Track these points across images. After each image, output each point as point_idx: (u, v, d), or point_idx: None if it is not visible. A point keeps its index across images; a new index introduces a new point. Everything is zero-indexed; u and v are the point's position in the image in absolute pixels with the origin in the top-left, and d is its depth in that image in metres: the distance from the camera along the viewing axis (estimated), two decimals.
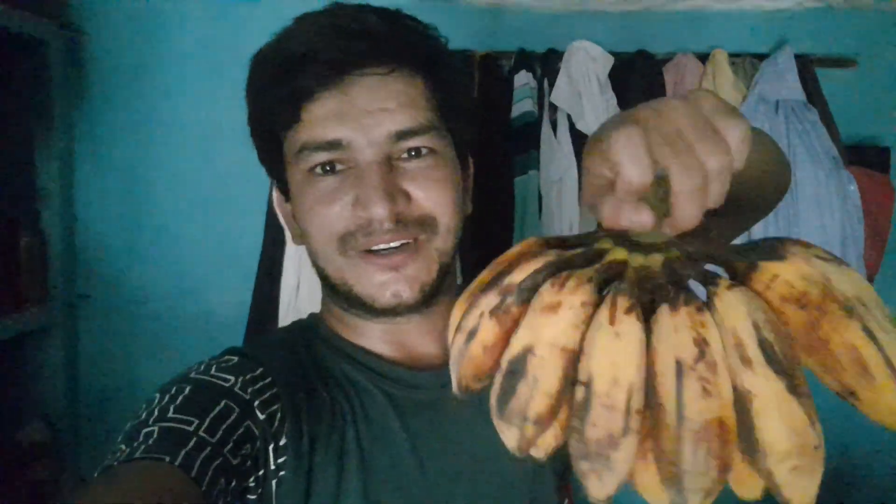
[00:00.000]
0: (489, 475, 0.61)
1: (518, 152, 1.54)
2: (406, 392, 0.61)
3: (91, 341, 1.73)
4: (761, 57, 1.67)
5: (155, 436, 0.46)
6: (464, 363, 0.38)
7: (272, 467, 0.52)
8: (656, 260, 0.35)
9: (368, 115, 0.55)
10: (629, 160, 0.32)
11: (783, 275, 0.32)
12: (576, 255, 0.37)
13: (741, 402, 0.31)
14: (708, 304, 0.32)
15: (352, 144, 0.55)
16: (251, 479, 0.50)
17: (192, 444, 0.46)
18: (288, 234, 1.56)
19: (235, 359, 0.56)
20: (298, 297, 1.58)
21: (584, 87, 1.56)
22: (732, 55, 1.65)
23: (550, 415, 0.34)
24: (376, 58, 0.55)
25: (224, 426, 0.49)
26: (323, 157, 0.56)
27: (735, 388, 0.31)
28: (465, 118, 0.63)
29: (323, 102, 0.55)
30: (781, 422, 0.30)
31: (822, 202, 1.55)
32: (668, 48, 1.68)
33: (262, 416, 0.52)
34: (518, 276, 0.36)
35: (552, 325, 0.33)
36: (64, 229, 1.67)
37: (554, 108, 1.59)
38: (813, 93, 1.65)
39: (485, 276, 0.40)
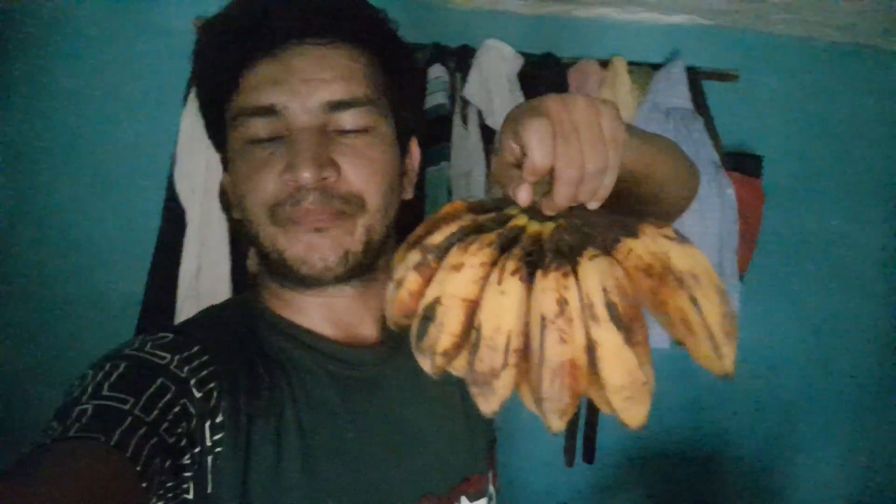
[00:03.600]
0: (428, 450, 0.64)
1: (430, 144, 1.57)
2: (346, 369, 0.62)
3: None
4: (656, 67, 1.79)
5: (89, 413, 0.45)
6: (395, 305, 0.47)
7: (208, 444, 0.52)
8: (549, 227, 0.45)
9: (304, 83, 0.55)
10: (537, 145, 0.39)
11: (635, 249, 0.42)
12: (487, 220, 0.47)
13: (591, 348, 0.40)
14: (572, 272, 0.41)
15: (286, 111, 0.55)
16: (186, 457, 0.50)
17: (127, 422, 0.45)
18: (189, 218, 1.52)
19: (171, 336, 0.55)
20: (198, 283, 1.53)
21: (494, 85, 1.61)
22: (631, 63, 1.76)
23: (455, 348, 0.44)
24: (318, 30, 0.56)
25: (160, 404, 0.48)
26: (258, 123, 0.56)
27: (587, 338, 0.40)
28: (409, 101, 0.64)
29: (260, 69, 0.55)
30: (618, 364, 0.40)
31: (703, 203, 1.69)
32: (573, 53, 1.77)
33: (198, 394, 0.52)
34: (438, 237, 0.46)
35: (455, 280, 0.43)
36: None
37: (465, 103, 1.63)
38: (700, 103, 1.79)
39: (418, 231, 0.49)
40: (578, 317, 0.40)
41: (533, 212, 0.45)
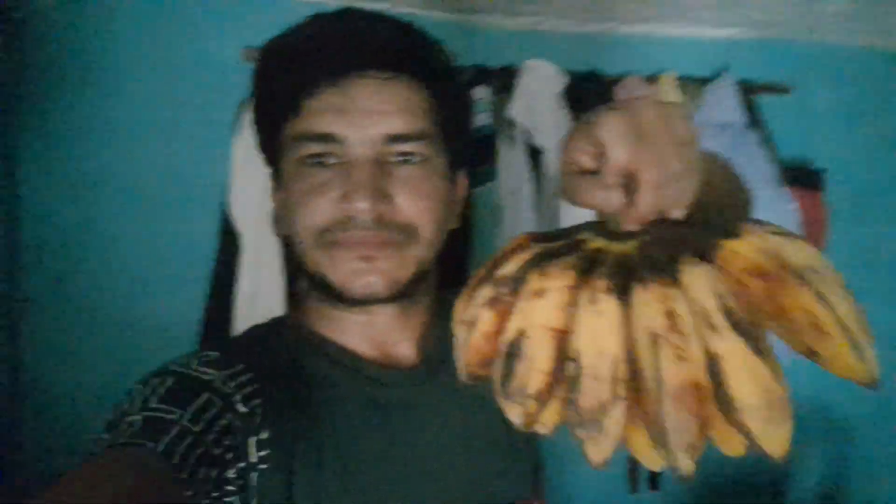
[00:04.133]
0: (466, 471, 0.63)
1: (477, 165, 1.57)
2: (383, 390, 0.62)
3: (34, 345, 1.67)
4: (705, 81, 1.76)
5: (138, 424, 0.46)
6: (468, 352, 0.41)
7: (253, 460, 0.52)
8: (632, 245, 0.39)
9: (366, 114, 0.56)
10: (618, 142, 0.36)
11: (741, 251, 0.36)
12: (559, 247, 0.41)
13: (713, 364, 0.34)
14: (675, 281, 0.36)
15: (346, 140, 0.56)
16: (232, 470, 0.50)
17: (174, 432, 0.46)
18: (245, 241, 1.56)
19: (216, 354, 0.56)
20: (255, 304, 1.56)
21: (539, 104, 1.61)
22: (678, 79, 1.73)
23: (548, 389, 0.38)
24: (380, 63, 0.57)
25: (206, 417, 0.49)
26: (316, 148, 0.57)
27: (706, 353, 0.34)
28: (462, 134, 0.65)
29: (324, 98, 0.57)
30: (749, 378, 0.33)
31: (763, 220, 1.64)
32: (619, 70, 1.75)
33: (243, 410, 0.52)
34: (509, 268, 0.41)
35: (539, 308, 0.38)
36: (7, 230, 1.61)
37: (510, 123, 1.63)
38: (753, 117, 1.74)
39: (480, 271, 0.44)
40: (692, 330, 0.34)
41: (609, 235, 0.40)
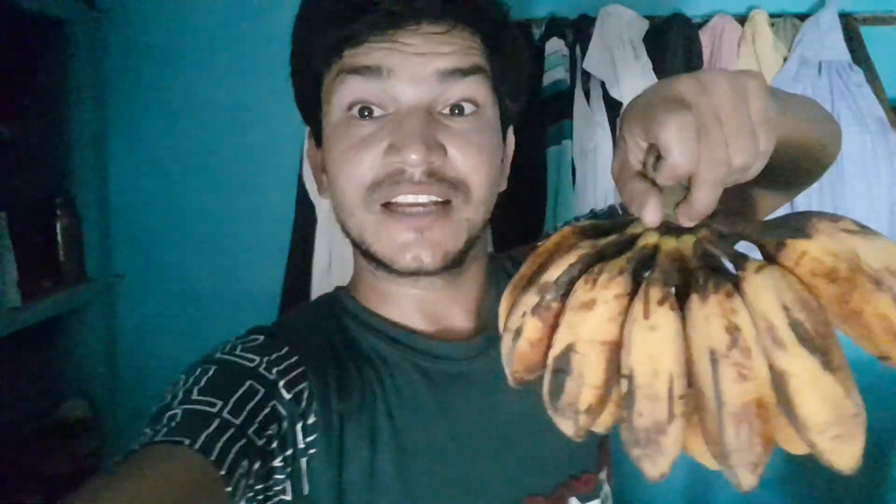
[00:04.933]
0: (528, 446, 0.60)
1: (551, 122, 1.51)
2: (437, 364, 0.59)
3: (128, 319, 1.77)
4: (803, 17, 1.60)
5: (178, 418, 0.45)
6: (514, 361, 0.40)
7: (301, 446, 0.52)
8: (687, 242, 0.37)
9: (418, 55, 0.52)
10: (680, 147, 0.31)
11: (810, 251, 0.33)
12: (608, 244, 0.39)
13: (779, 381, 0.32)
14: (738, 288, 0.33)
15: (393, 74, 0.52)
16: (278, 459, 0.50)
17: (214, 426, 0.45)
18: (319, 212, 1.58)
19: (261, 338, 0.55)
20: (330, 274, 1.58)
21: (617, 54, 1.52)
22: (772, 16, 1.58)
23: (600, 403, 0.37)
24: (436, 15, 0.53)
25: (249, 407, 0.48)
26: (362, 85, 0.53)
27: (772, 369, 0.32)
28: (516, 92, 0.61)
29: (373, 46, 0.53)
30: (818, 397, 0.31)
31: (868, 167, 1.49)
32: (705, 10, 1.62)
33: (288, 396, 0.51)
34: (554, 272, 0.39)
35: (589, 321, 0.36)
36: (99, 209, 1.70)
37: (587, 76, 1.55)
38: (858, 53, 1.58)
39: (525, 270, 0.42)
40: (756, 345, 0.32)
41: (662, 225, 0.37)
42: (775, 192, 0.59)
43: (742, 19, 1.58)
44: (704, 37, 1.57)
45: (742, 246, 0.36)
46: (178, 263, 1.75)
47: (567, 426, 0.38)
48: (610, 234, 0.40)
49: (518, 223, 1.44)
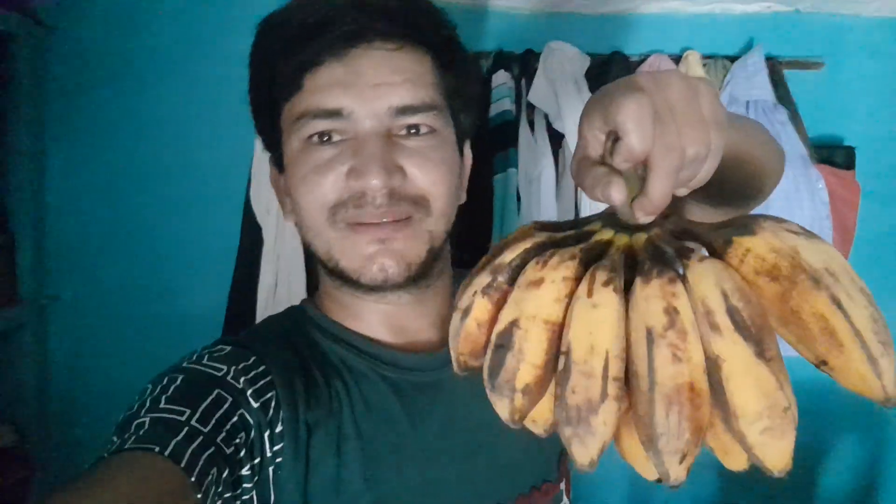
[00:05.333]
0: (493, 456, 0.61)
1: (497, 151, 1.55)
2: (404, 375, 0.60)
3: (62, 343, 1.70)
4: (732, 59, 1.70)
5: (146, 427, 0.45)
6: (460, 340, 0.39)
7: (268, 454, 0.52)
8: (640, 239, 0.37)
9: (372, 87, 0.54)
10: (636, 127, 0.32)
11: (754, 248, 0.34)
12: (566, 237, 0.39)
13: (712, 367, 0.32)
14: (681, 276, 0.34)
15: (352, 114, 0.54)
16: (246, 468, 0.50)
17: (183, 433, 0.45)
18: (266, 234, 1.57)
19: (228, 348, 0.56)
20: (276, 297, 1.57)
21: (560, 87, 1.58)
22: (705, 56, 1.68)
23: (539, 385, 0.36)
24: (387, 33, 0.55)
25: (217, 415, 0.48)
26: (321, 125, 0.55)
27: (706, 355, 0.32)
28: (469, 105, 0.63)
29: (327, 72, 0.54)
30: (750, 384, 0.31)
31: (791, 199, 1.59)
32: (642, 49, 1.71)
33: (255, 405, 0.52)
34: (508, 255, 0.39)
35: (534, 298, 0.35)
36: (34, 228, 1.64)
37: (531, 108, 1.60)
38: (782, 94, 1.69)
39: (484, 259, 0.42)
40: (693, 329, 0.32)
41: (619, 226, 0.38)
42: (718, 210, 0.62)
43: (677, 59, 1.68)
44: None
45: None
46: (117, 285, 1.70)
47: (503, 406, 0.37)
48: (569, 230, 0.40)
49: (465, 248, 1.47)
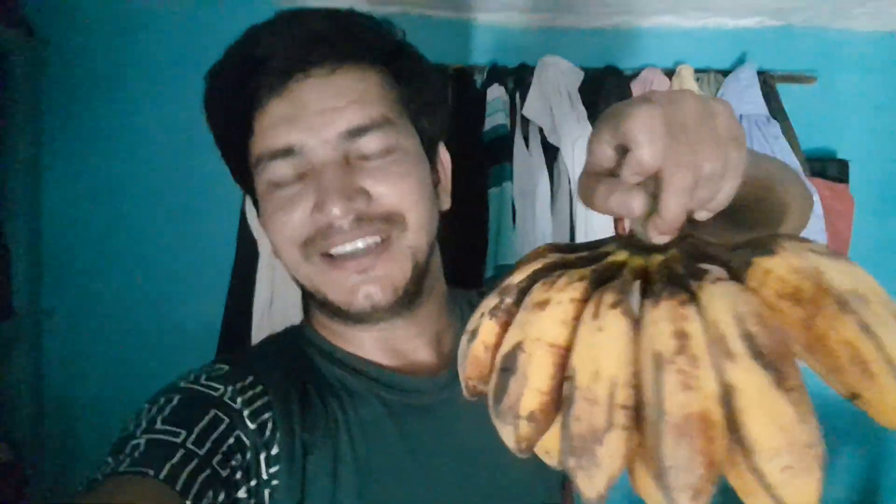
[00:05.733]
0: (492, 479, 0.61)
1: (491, 164, 1.56)
2: (402, 397, 0.60)
3: (57, 356, 1.69)
4: (725, 73, 1.72)
5: (141, 448, 0.45)
6: (468, 364, 0.38)
7: (265, 477, 0.51)
8: (655, 260, 0.35)
9: (317, 115, 0.54)
10: (647, 138, 0.30)
11: (775, 270, 0.31)
12: (579, 258, 0.37)
13: (727, 397, 0.29)
14: (692, 298, 0.31)
15: (304, 148, 0.54)
16: (242, 490, 0.49)
17: (178, 456, 0.45)
18: (262, 247, 1.57)
19: (226, 367, 0.55)
20: (272, 311, 1.56)
21: (554, 101, 1.59)
22: (697, 70, 1.70)
23: (545, 413, 0.34)
24: (321, 59, 0.54)
25: (213, 437, 0.48)
26: (280, 166, 0.55)
27: (720, 382, 0.30)
28: (430, 110, 0.61)
29: (272, 110, 0.54)
30: (767, 417, 0.28)
31: None
32: (636, 63, 1.72)
33: (252, 426, 0.51)
34: (517, 276, 0.37)
35: (539, 320, 0.33)
36: (29, 241, 1.64)
37: (526, 122, 1.61)
38: (775, 107, 1.70)
39: (498, 282, 0.40)
40: (706, 355, 0.30)
41: (635, 248, 0.36)
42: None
43: (670, 73, 1.69)
44: (635, 88, 1.67)
45: None
46: (112, 298, 1.70)
47: (508, 434, 0.35)
48: (582, 252, 0.38)
49: (460, 262, 1.47)
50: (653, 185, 0.32)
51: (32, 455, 1.61)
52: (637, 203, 0.31)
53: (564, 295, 0.34)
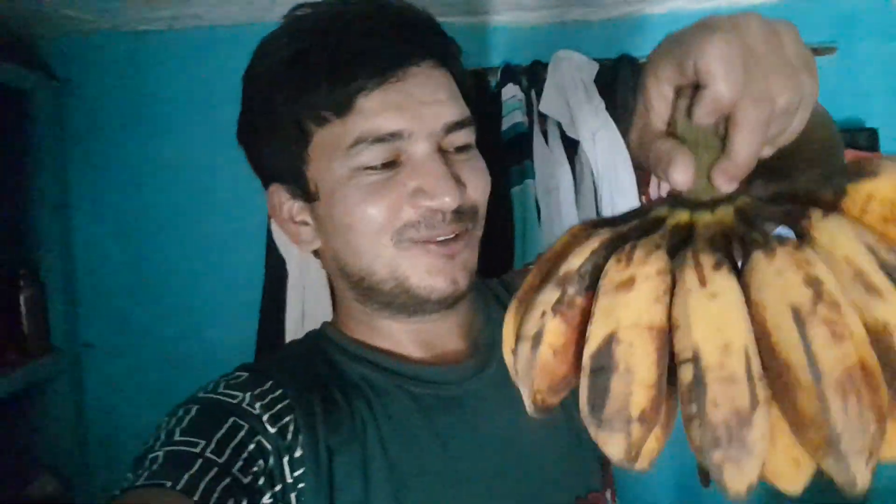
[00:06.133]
0: (529, 468, 0.60)
1: (512, 164, 1.55)
2: (428, 389, 0.59)
3: (98, 389, 1.72)
4: None
5: (159, 461, 0.45)
6: (536, 374, 0.33)
7: (289, 481, 0.51)
8: (726, 212, 0.31)
9: (425, 105, 0.55)
10: (725, 70, 0.27)
11: (879, 191, 0.28)
12: (631, 229, 0.33)
13: (879, 338, 0.26)
14: (805, 240, 0.28)
15: (411, 135, 0.54)
16: (267, 496, 0.49)
17: (196, 466, 0.45)
18: (290, 265, 1.57)
19: (245, 374, 0.55)
20: (304, 327, 1.57)
21: (571, 95, 1.58)
22: None
23: (654, 409, 0.30)
24: (426, 53, 0.56)
25: (232, 444, 0.48)
26: (379, 150, 0.54)
27: (867, 324, 0.26)
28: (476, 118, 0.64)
29: (380, 95, 0.54)
30: None
31: None
32: (648, 51, 1.70)
33: (272, 430, 0.51)
34: (575, 261, 0.32)
35: (630, 303, 0.29)
36: (64, 278, 1.67)
37: (543, 118, 1.60)
38: None
39: (531, 279, 0.36)
40: (844, 298, 0.26)
41: (689, 204, 0.32)
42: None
43: None
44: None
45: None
46: (148, 329, 1.72)
47: (617, 444, 0.30)
48: (629, 222, 0.34)
49: (488, 262, 1.46)
50: (721, 128, 0.29)
51: (79, 488, 1.63)
52: (683, 176, 0.29)
53: (649, 268, 0.29)
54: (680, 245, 0.31)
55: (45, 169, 1.63)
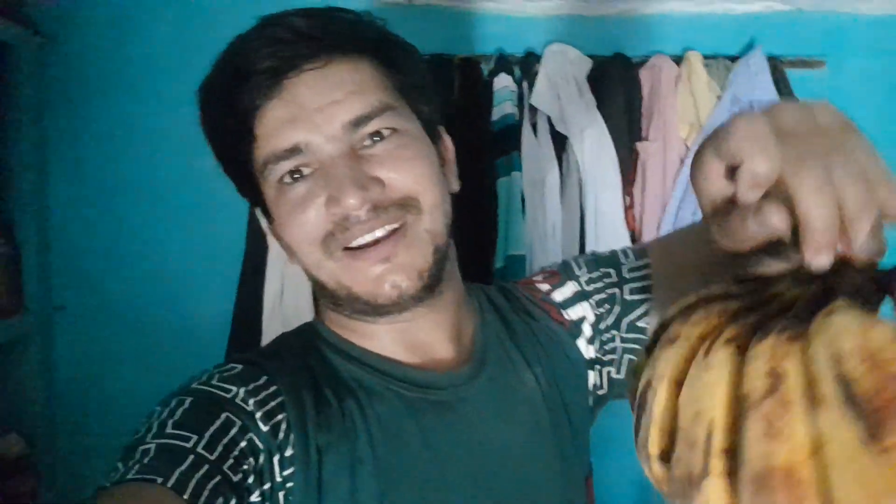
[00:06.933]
0: (514, 477, 0.60)
1: (500, 154, 1.55)
2: (420, 393, 0.59)
3: (68, 352, 1.70)
4: (734, 59, 1.70)
5: (151, 454, 0.45)
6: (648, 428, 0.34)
7: (279, 479, 0.51)
8: (811, 290, 0.30)
9: (317, 111, 0.53)
10: (755, 145, 0.28)
11: None
12: (747, 291, 0.33)
13: (816, 450, 0.25)
14: (804, 333, 0.28)
15: (310, 146, 0.53)
16: (255, 494, 0.49)
17: (188, 462, 0.44)
18: (271, 239, 1.56)
19: (239, 367, 0.55)
20: (283, 303, 1.57)
21: (562, 90, 1.58)
22: (706, 57, 1.68)
23: (671, 452, 0.31)
24: (309, 53, 0.54)
25: (224, 441, 0.48)
26: (286, 165, 0.54)
27: (813, 434, 0.26)
28: (425, 94, 0.61)
29: (270, 113, 0.54)
30: (853, 477, 0.24)
31: None
32: (644, 51, 1.71)
33: (265, 428, 0.51)
34: (672, 310, 0.35)
35: (665, 357, 0.32)
36: (39, 239, 1.64)
37: (534, 111, 1.60)
38: (785, 93, 1.68)
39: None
40: (800, 400, 0.26)
41: (803, 281, 0.31)
42: None
43: (678, 60, 1.68)
44: (644, 75, 1.66)
45: None
46: (122, 294, 1.70)
47: (647, 472, 0.33)
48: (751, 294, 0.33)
49: (470, 253, 1.47)
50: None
51: (45, 449, 1.62)
52: (775, 216, 0.28)
53: (694, 330, 0.31)
54: (747, 314, 0.31)
55: (23, 128, 1.59)
